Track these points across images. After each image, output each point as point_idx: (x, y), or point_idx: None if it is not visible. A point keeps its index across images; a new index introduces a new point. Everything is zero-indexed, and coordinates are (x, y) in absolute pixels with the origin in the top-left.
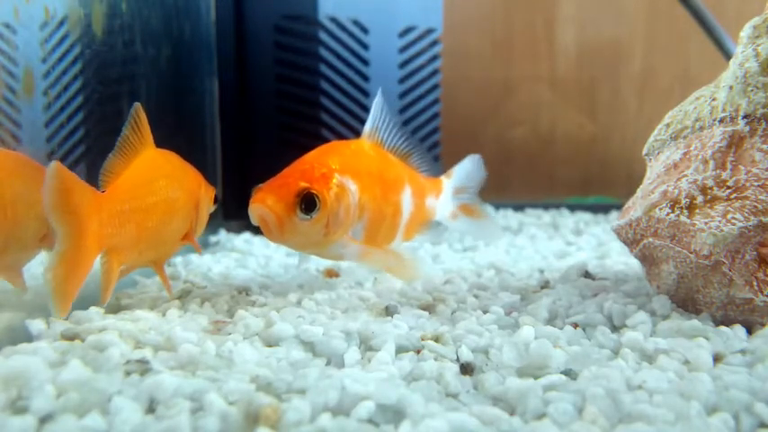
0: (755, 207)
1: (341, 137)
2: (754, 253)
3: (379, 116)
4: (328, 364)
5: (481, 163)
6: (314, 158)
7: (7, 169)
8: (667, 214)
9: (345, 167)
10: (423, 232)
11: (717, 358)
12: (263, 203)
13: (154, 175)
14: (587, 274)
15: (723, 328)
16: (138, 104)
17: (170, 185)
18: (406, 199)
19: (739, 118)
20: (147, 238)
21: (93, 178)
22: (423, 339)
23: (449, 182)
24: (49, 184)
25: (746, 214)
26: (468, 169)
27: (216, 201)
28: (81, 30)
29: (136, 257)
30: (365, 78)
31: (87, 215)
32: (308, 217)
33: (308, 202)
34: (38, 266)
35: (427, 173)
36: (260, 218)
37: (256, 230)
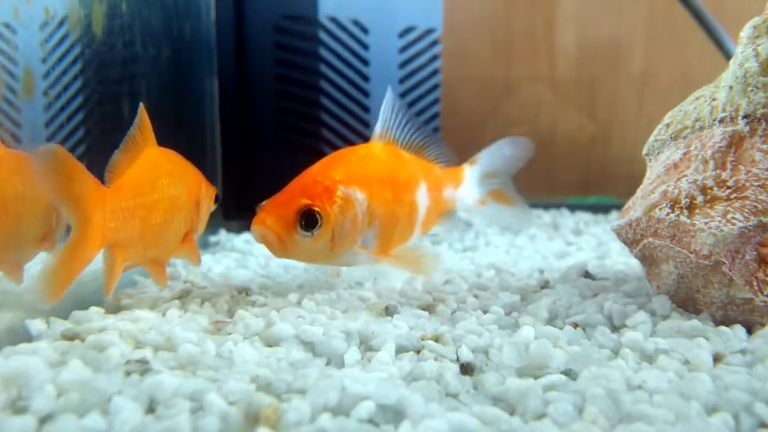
0: (755, 207)
1: (341, 137)
2: (754, 253)
3: (390, 114)
4: (328, 364)
5: (520, 144)
6: (318, 171)
7: (9, 168)
8: (667, 214)
9: (351, 177)
10: (442, 223)
11: (717, 358)
12: (263, 225)
13: (157, 172)
14: (587, 274)
15: (723, 328)
16: (141, 104)
17: (173, 183)
18: (422, 195)
19: (739, 118)
20: (152, 235)
21: None
22: (423, 339)
23: (473, 169)
24: (51, 167)
25: (746, 214)
26: (499, 152)
27: (217, 200)
28: (81, 30)
29: (140, 254)
30: (365, 78)
31: (91, 205)
32: (310, 234)
33: (308, 219)
34: (38, 266)
35: (447, 163)
36: (262, 238)
37: None
